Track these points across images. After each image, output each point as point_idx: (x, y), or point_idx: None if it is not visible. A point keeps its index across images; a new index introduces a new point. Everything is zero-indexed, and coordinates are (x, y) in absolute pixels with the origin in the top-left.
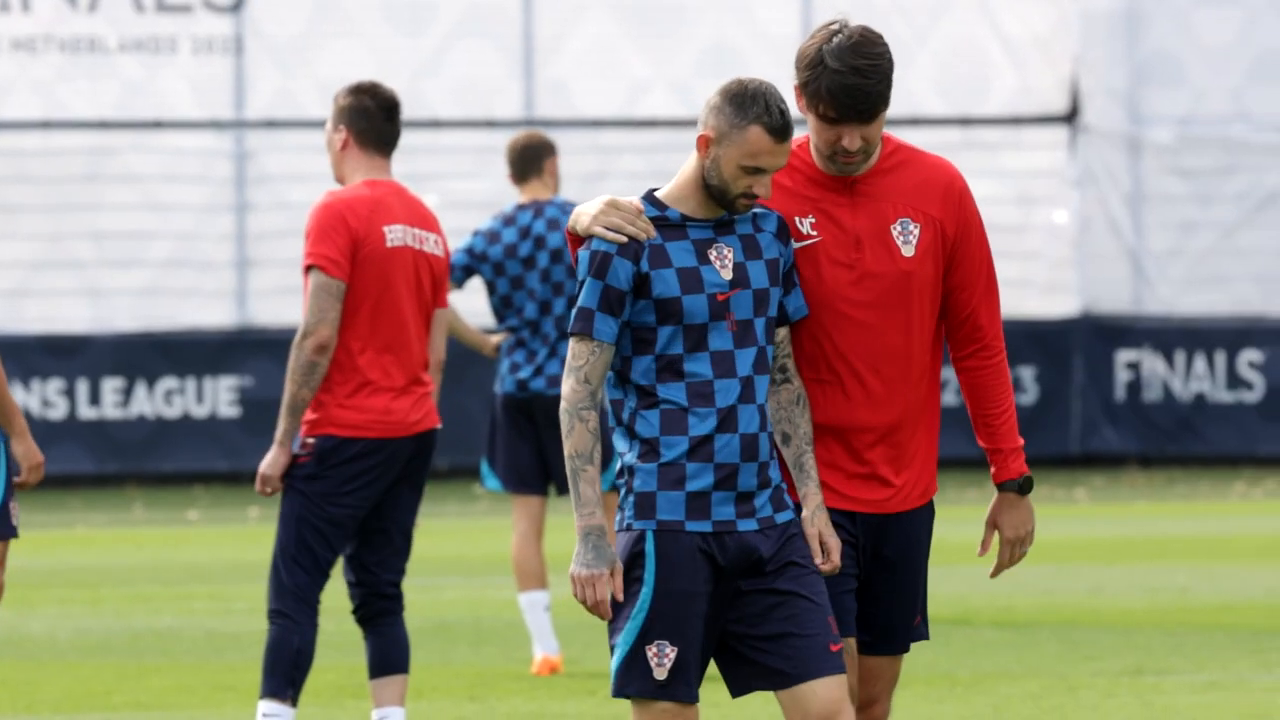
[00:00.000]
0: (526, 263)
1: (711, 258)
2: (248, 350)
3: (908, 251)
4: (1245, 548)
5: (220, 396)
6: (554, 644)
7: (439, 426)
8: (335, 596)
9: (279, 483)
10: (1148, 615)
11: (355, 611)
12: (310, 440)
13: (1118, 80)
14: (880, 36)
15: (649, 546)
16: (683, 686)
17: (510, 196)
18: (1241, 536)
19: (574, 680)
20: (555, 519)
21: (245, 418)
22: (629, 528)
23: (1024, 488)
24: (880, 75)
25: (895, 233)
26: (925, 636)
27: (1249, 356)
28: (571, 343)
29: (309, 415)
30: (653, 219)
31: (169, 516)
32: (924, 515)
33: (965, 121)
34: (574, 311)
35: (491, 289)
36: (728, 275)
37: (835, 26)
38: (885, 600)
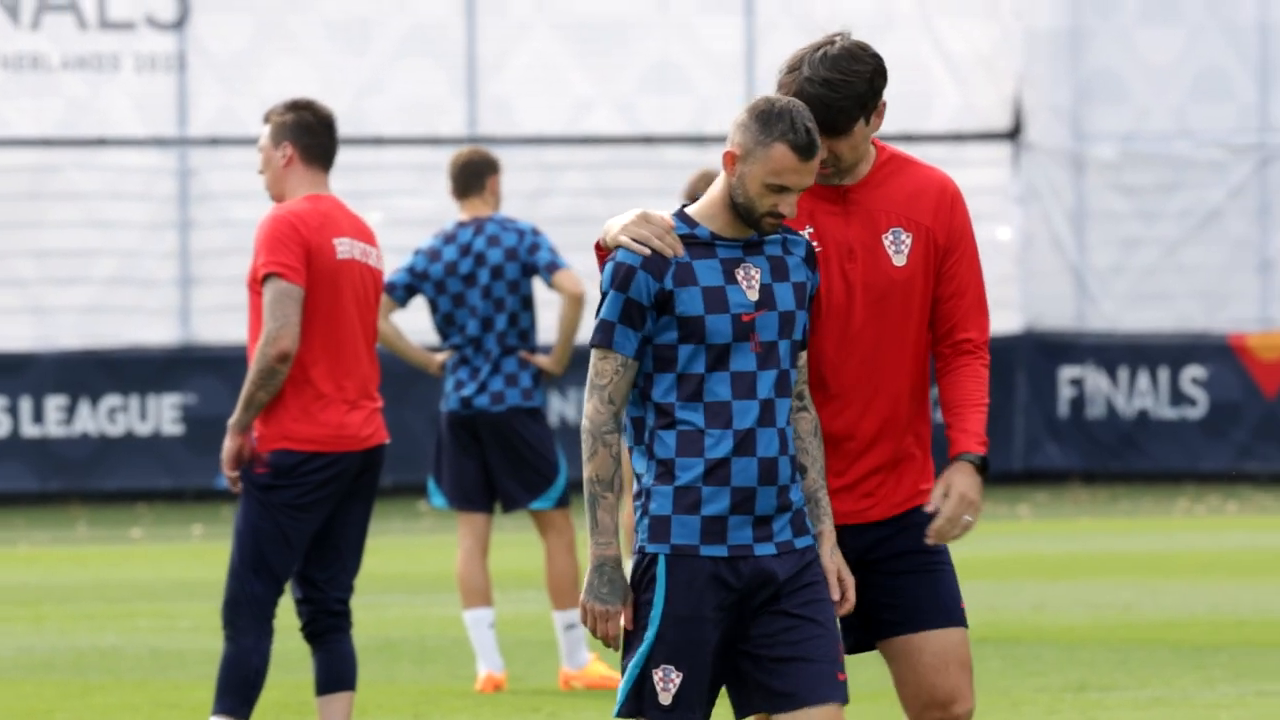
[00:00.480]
0: (468, 280)
1: (739, 278)
2: (191, 368)
3: (899, 261)
4: (1188, 564)
5: (164, 414)
6: (499, 661)
7: (387, 442)
8: (281, 614)
9: (236, 473)
10: (1091, 631)
11: (303, 628)
12: (265, 455)
13: (1061, 97)
14: (872, 55)
15: (660, 571)
16: (686, 713)
17: (453, 213)
18: (1184, 553)
19: (518, 697)
20: (500, 536)
21: (189, 435)
22: (642, 550)
23: (982, 465)
24: (849, 92)
25: (887, 242)
26: (965, 624)
27: (1192, 373)
28: (593, 358)
29: (261, 429)
30: (682, 236)
31: (112, 534)
32: (924, 518)
33: (908, 138)
34: (596, 324)
35: (434, 307)
36: (754, 296)
37: (834, 36)
38: (909, 590)
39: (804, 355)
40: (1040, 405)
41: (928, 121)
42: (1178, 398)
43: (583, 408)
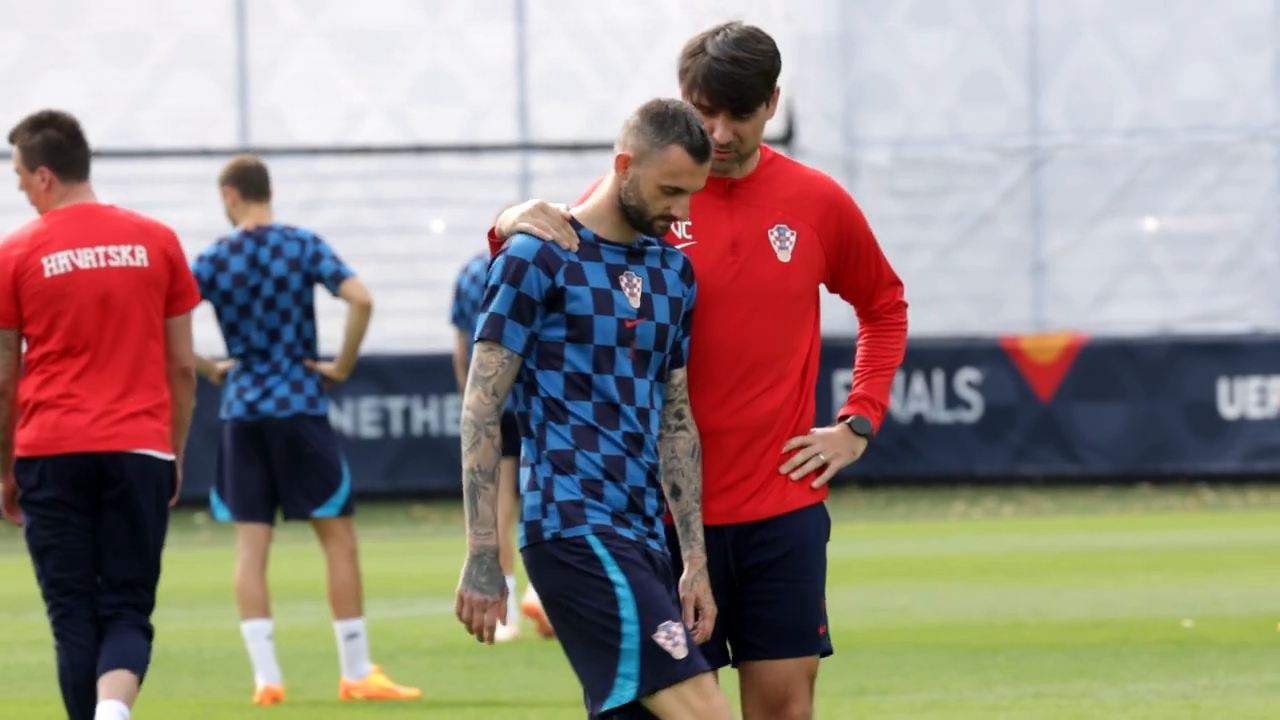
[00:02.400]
0: (253, 292)
1: (622, 283)
2: None
3: (784, 258)
4: (964, 567)
5: None
6: (276, 673)
7: (136, 451)
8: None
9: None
10: (868, 635)
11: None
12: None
13: (832, 103)
14: (768, 37)
15: (597, 546)
16: (699, 659)
17: (224, 226)
18: (961, 556)
19: (296, 709)
20: (279, 548)
21: None
22: (556, 538)
23: (861, 429)
24: (757, 69)
25: (772, 238)
26: (829, 650)
27: (967, 376)
28: (478, 350)
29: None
30: None
31: None
32: (799, 522)
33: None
34: (483, 317)
35: (219, 315)
36: (636, 304)
37: (729, 23)
38: (775, 604)
39: (681, 373)
40: (817, 410)
41: None
42: (952, 401)
43: (464, 399)
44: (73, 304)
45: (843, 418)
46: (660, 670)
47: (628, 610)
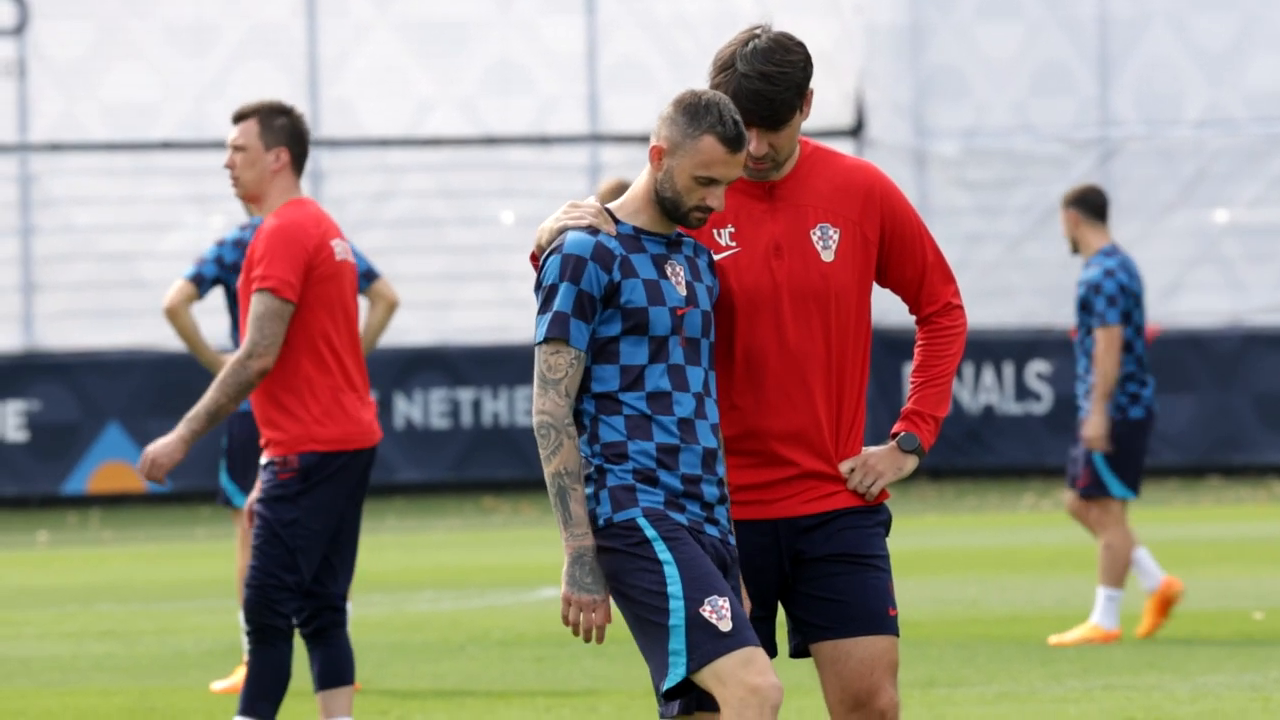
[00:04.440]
0: None
1: (669, 272)
2: (34, 374)
3: (827, 257)
4: (1034, 559)
5: (8, 421)
6: None
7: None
8: (128, 619)
9: (163, 474)
10: (938, 627)
11: (302, 625)
12: (294, 458)
13: (902, 94)
14: (798, 44)
15: (646, 526)
16: (746, 631)
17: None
18: (1030, 547)
19: (363, 698)
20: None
21: (33, 442)
22: (609, 523)
23: (908, 445)
24: (788, 83)
25: (815, 238)
26: (896, 632)
27: (1036, 368)
28: (545, 353)
29: (282, 434)
30: None
31: None
32: (858, 517)
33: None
34: (546, 318)
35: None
36: (683, 292)
37: (756, 30)
38: (838, 583)
39: None
40: (886, 402)
41: None
42: (1022, 393)
43: (533, 404)
44: (347, 289)
45: (893, 434)
46: (705, 644)
47: (674, 587)
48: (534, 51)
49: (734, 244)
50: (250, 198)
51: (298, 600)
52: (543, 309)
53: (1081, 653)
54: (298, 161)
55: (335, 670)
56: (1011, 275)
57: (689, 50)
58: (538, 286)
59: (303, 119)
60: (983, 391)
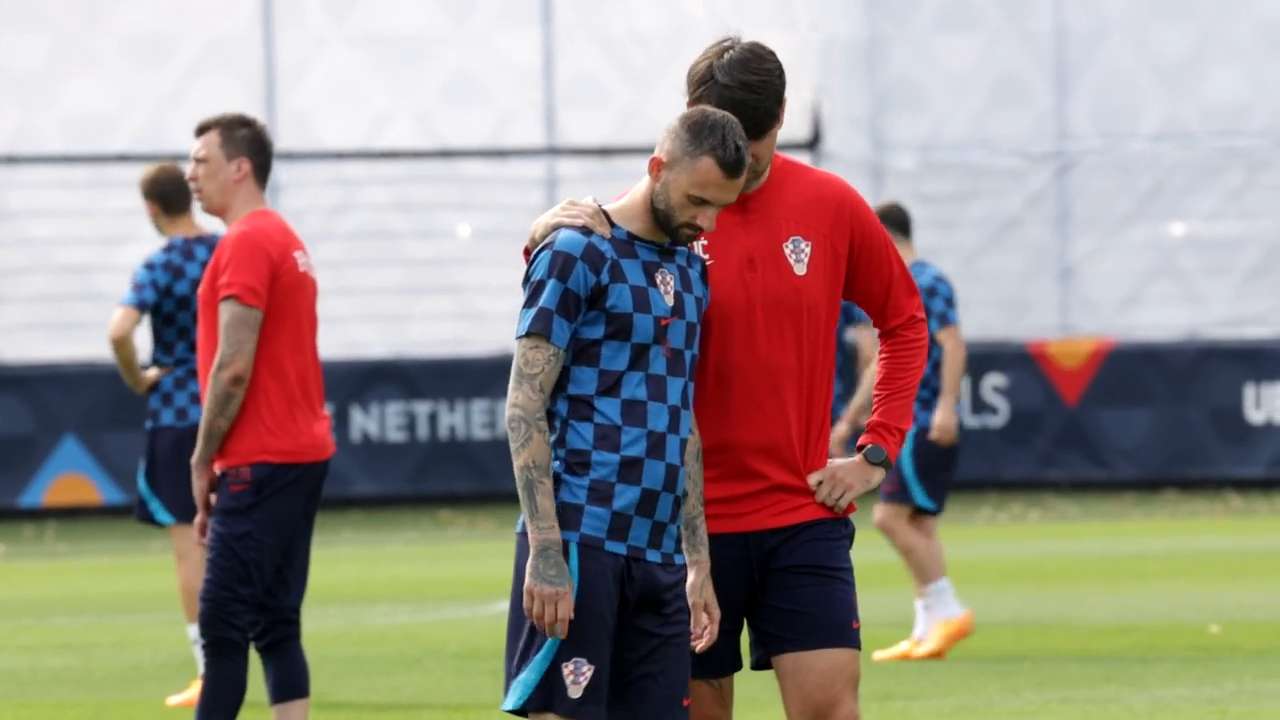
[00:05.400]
0: (185, 302)
1: (658, 281)
2: None
3: (800, 270)
4: (991, 572)
5: None
6: None
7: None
8: (83, 632)
9: (207, 514)
10: (895, 640)
11: (257, 639)
12: (245, 469)
13: (859, 107)
14: (771, 53)
15: (574, 559)
16: (594, 707)
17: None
18: (987, 561)
19: (321, 712)
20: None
21: None
22: None
23: (875, 458)
24: (770, 91)
25: (788, 251)
26: (858, 645)
27: (993, 381)
28: (524, 347)
29: (235, 445)
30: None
31: None
32: (822, 527)
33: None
34: (531, 313)
35: (169, 322)
36: (670, 301)
37: (726, 43)
38: (803, 595)
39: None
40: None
41: None
42: (979, 406)
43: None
44: (305, 302)
45: (860, 447)
46: (548, 696)
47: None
48: (490, 65)
49: (707, 256)
50: (214, 209)
51: (253, 613)
52: (528, 303)
53: (1038, 665)
54: (260, 172)
55: (290, 683)
56: (968, 289)
57: (644, 64)
58: (526, 280)
59: (265, 130)
60: None
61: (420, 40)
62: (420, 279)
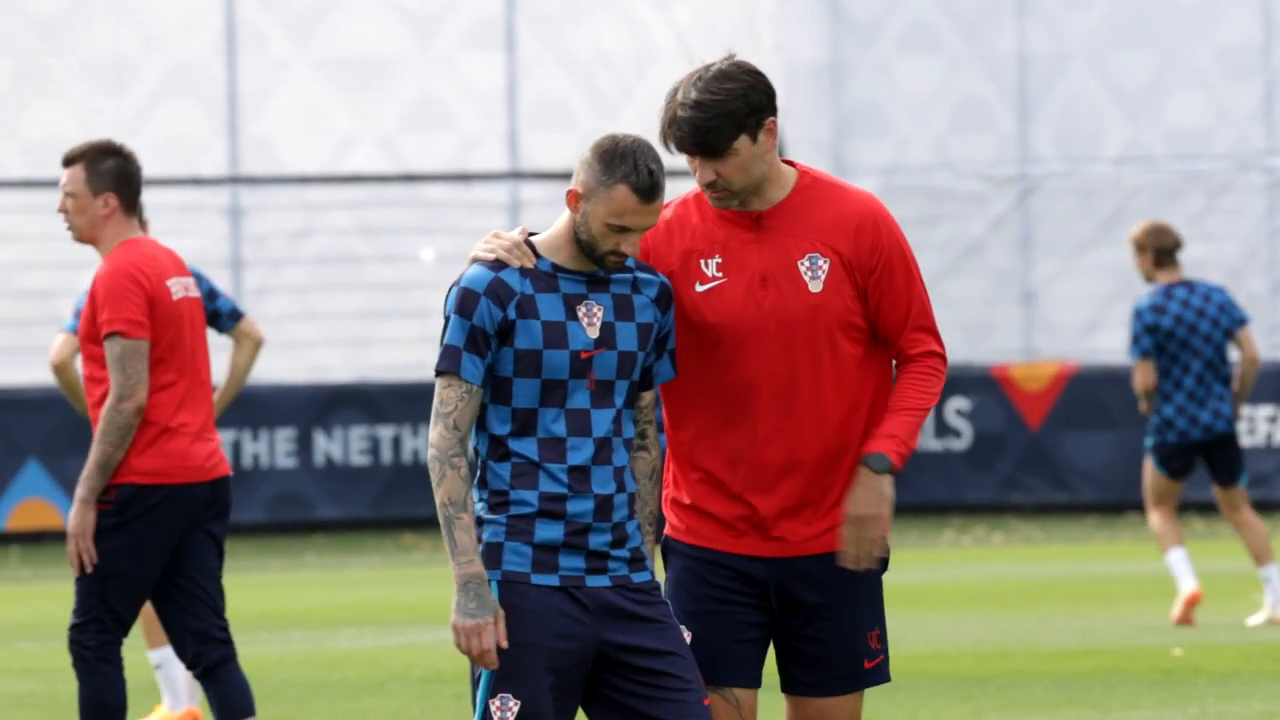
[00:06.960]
0: None
1: (580, 314)
2: None
3: (815, 287)
4: (954, 595)
5: None
6: (185, 698)
7: (230, 474)
8: (46, 657)
9: (90, 541)
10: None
11: (192, 665)
12: (111, 490)
13: (822, 131)
14: (746, 73)
15: (495, 596)
16: None
17: (214, 254)
18: (950, 584)
19: None
20: (268, 576)
21: None
22: None
23: (878, 465)
24: (718, 110)
25: (803, 268)
26: (886, 678)
27: (956, 405)
28: (439, 386)
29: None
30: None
31: None
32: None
33: (673, 174)
34: (441, 350)
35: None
36: (594, 334)
37: (714, 62)
38: (820, 641)
39: (649, 396)
40: None
41: None
42: (942, 429)
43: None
44: (186, 327)
45: (861, 456)
46: None
47: (485, 669)
48: (454, 89)
49: (720, 275)
50: (85, 241)
51: (109, 633)
52: (440, 341)
53: (1001, 688)
54: (128, 203)
55: (233, 707)
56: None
57: (609, 88)
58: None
59: (133, 158)
60: None
61: (384, 64)
62: (384, 303)
